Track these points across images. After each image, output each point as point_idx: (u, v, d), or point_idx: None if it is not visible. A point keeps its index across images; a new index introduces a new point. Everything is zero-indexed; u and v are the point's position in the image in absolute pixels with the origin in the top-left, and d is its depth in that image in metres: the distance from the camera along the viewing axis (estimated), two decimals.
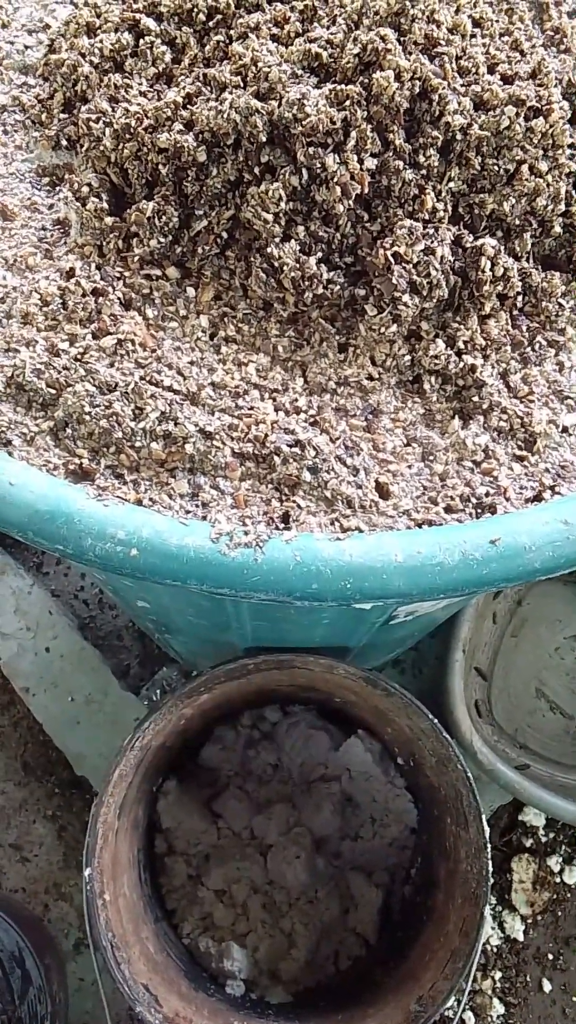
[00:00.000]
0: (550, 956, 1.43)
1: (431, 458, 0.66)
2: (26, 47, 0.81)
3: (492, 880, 1.43)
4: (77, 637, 1.53)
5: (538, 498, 0.64)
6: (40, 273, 0.70)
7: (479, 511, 0.63)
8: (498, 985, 1.41)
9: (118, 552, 0.58)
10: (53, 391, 0.65)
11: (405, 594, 0.58)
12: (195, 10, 0.74)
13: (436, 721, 1.01)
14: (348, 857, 1.26)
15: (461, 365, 0.67)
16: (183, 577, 0.58)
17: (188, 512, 0.62)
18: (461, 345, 0.67)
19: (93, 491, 0.62)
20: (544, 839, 1.46)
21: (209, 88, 0.70)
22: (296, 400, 0.66)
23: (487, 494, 0.64)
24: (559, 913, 1.44)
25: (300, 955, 1.19)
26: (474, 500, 0.64)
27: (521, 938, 1.42)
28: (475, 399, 0.67)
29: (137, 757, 1.04)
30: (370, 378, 0.68)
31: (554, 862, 1.45)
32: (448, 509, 0.63)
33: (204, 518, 0.62)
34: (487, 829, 0.98)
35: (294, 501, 0.63)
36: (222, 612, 0.87)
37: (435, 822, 1.15)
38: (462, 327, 0.67)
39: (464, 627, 1.38)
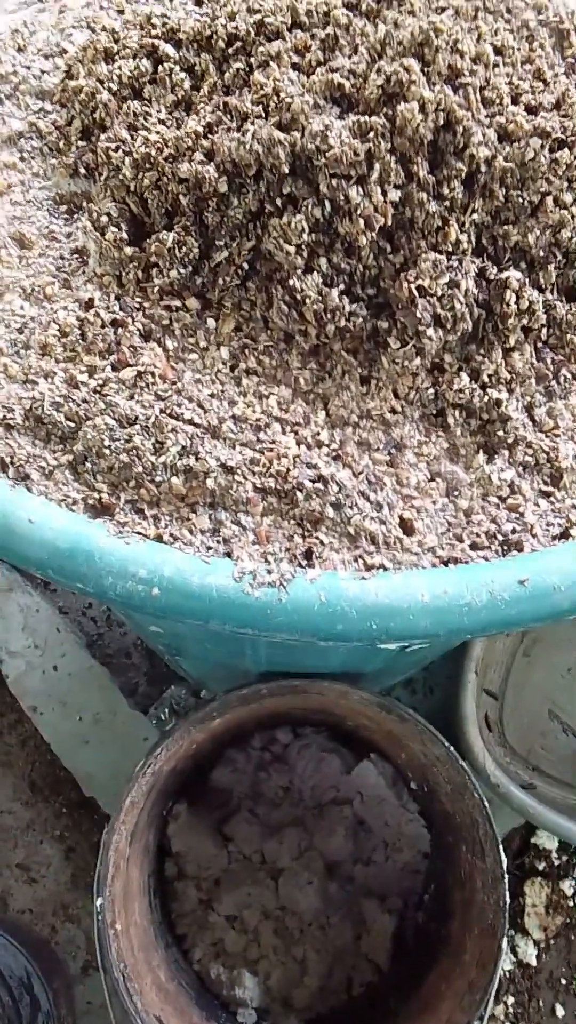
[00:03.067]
0: (563, 981, 1.41)
1: (456, 493, 0.65)
2: (43, 72, 0.81)
3: None
4: (85, 655, 1.52)
5: (565, 535, 0.63)
6: (58, 303, 0.69)
7: (505, 548, 0.62)
8: (511, 1010, 1.39)
9: (139, 591, 0.57)
10: (72, 424, 0.64)
11: (432, 635, 0.57)
12: (214, 37, 0.73)
13: (452, 748, 1.00)
14: (360, 882, 1.25)
15: (486, 399, 0.66)
16: (205, 617, 0.57)
17: (209, 548, 0.62)
18: (485, 378, 0.66)
19: (113, 527, 0.61)
20: (557, 862, 1.45)
21: (230, 117, 0.69)
22: (318, 433, 0.66)
23: (513, 531, 0.63)
24: (572, 937, 1.43)
25: (312, 982, 1.17)
26: (500, 537, 0.63)
27: (534, 963, 1.41)
28: (500, 433, 0.66)
29: (148, 783, 1.03)
30: (393, 411, 0.67)
31: (567, 886, 1.43)
32: (474, 546, 0.62)
33: (226, 554, 0.61)
34: (504, 860, 0.97)
35: (317, 537, 0.62)
36: (238, 642, 0.86)
37: (449, 849, 1.14)
38: (486, 360, 0.66)
39: (476, 648, 1.37)
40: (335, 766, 1.29)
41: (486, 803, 0.99)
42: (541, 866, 1.44)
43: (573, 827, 1.26)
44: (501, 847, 0.98)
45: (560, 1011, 1.38)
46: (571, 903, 1.43)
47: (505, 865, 0.97)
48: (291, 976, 1.18)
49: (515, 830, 1.45)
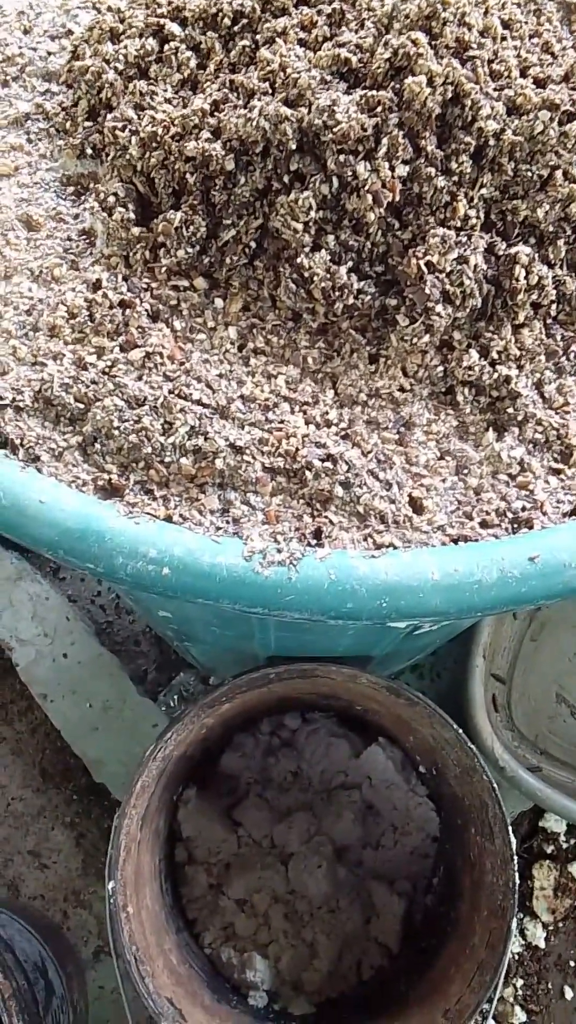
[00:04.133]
0: (572, 963, 1.42)
1: (465, 471, 0.64)
2: (49, 53, 0.80)
3: None
4: (94, 643, 1.52)
5: (575, 512, 0.62)
6: (66, 285, 0.69)
7: (515, 526, 0.62)
8: (519, 992, 1.40)
9: (150, 571, 0.57)
10: (81, 405, 0.64)
11: (442, 613, 0.57)
12: (220, 14, 0.73)
13: (461, 731, 1.00)
14: (369, 866, 1.25)
15: (495, 376, 0.65)
16: (215, 596, 0.57)
17: (219, 528, 0.61)
18: (495, 355, 0.66)
19: (123, 508, 0.61)
20: (565, 845, 1.45)
21: (236, 95, 0.69)
22: (327, 413, 0.65)
23: (523, 508, 0.62)
24: None
25: (322, 965, 1.18)
26: (510, 515, 0.62)
27: (543, 945, 1.41)
28: (510, 411, 0.65)
29: (159, 768, 1.04)
30: (402, 389, 0.67)
31: (575, 868, 1.43)
32: (484, 524, 0.62)
33: (235, 534, 0.61)
34: (513, 841, 0.97)
35: (326, 516, 0.62)
36: (246, 623, 0.86)
37: (458, 832, 1.14)
38: (496, 337, 0.66)
39: (484, 632, 1.37)
40: (344, 750, 1.29)
41: (495, 785, 0.99)
42: (549, 849, 1.44)
43: None
44: (510, 829, 0.98)
45: (569, 993, 1.39)
46: None
47: (514, 847, 0.97)
48: (301, 959, 1.19)
49: (523, 813, 1.45)
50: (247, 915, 1.21)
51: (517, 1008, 1.39)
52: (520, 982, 1.40)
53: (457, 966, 1.03)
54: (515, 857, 0.97)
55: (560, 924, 1.43)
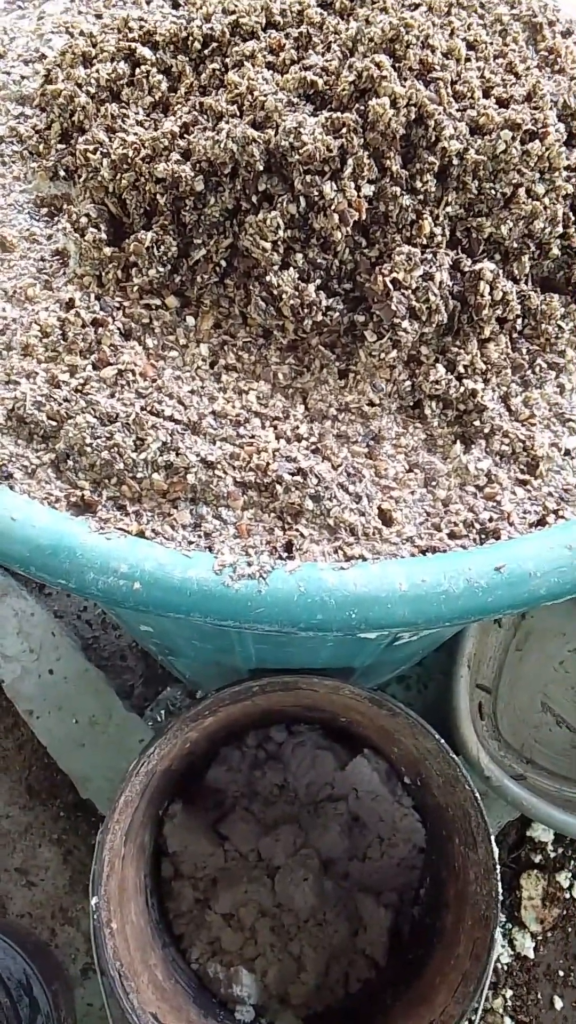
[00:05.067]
0: (561, 973, 1.42)
1: (434, 484, 0.65)
2: (22, 77, 0.82)
3: (502, 899, 1.42)
4: (80, 658, 1.52)
5: (542, 522, 0.63)
6: (40, 304, 0.70)
7: (483, 537, 0.63)
8: (509, 1003, 1.39)
9: (121, 586, 0.58)
10: (54, 423, 0.65)
11: (410, 623, 0.58)
12: (190, 38, 0.74)
13: (442, 741, 1.01)
14: (356, 878, 1.25)
15: (462, 390, 0.66)
16: (186, 610, 0.58)
17: (191, 543, 0.62)
18: (461, 369, 0.67)
19: (95, 524, 0.61)
20: (553, 854, 1.45)
21: (206, 117, 0.70)
22: (297, 427, 0.66)
23: (491, 519, 0.63)
24: (569, 929, 1.43)
25: (309, 979, 1.18)
26: (478, 526, 0.63)
27: (532, 955, 1.41)
28: (476, 423, 0.67)
29: (142, 783, 1.04)
30: (371, 404, 0.68)
31: (563, 878, 1.44)
32: (452, 535, 0.63)
33: (207, 548, 0.62)
34: (496, 850, 0.97)
35: (297, 530, 0.63)
36: (225, 636, 0.86)
37: (443, 842, 1.15)
38: (462, 351, 0.67)
39: (469, 642, 1.38)
40: (329, 763, 1.29)
41: (477, 795, 0.99)
42: (537, 859, 1.45)
43: (567, 819, 1.27)
44: (493, 838, 0.98)
45: (559, 1003, 1.39)
46: (567, 895, 1.43)
47: (497, 856, 0.98)
48: (288, 973, 1.19)
49: (511, 823, 1.45)
50: (234, 929, 1.21)
51: (507, 1019, 1.38)
52: (510, 993, 1.40)
53: (442, 976, 1.04)
54: (498, 867, 0.97)
55: (549, 934, 1.43)
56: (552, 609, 1.52)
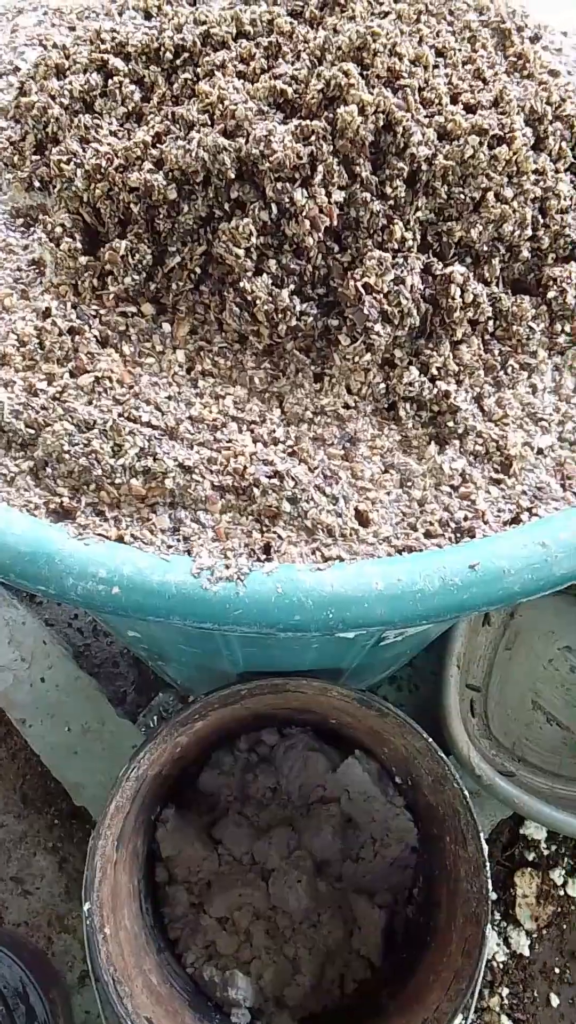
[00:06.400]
0: (557, 970, 1.42)
1: (409, 484, 0.66)
2: None
3: (495, 896, 1.43)
4: (72, 666, 1.53)
5: (516, 520, 0.64)
6: (16, 314, 0.70)
7: (458, 535, 0.64)
8: (505, 1002, 1.40)
9: (100, 591, 0.58)
10: (32, 431, 0.65)
11: (387, 622, 0.58)
12: (162, 49, 0.75)
13: (431, 740, 1.01)
14: (350, 879, 1.26)
15: (435, 391, 0.67)
16: (165, 613, 0.59)
17: (170, 547, 0.63)
18: (434, 371, 0.68)
19: (74, 530, 0.62)
20: (546, 852, 1.46)
21: (178, 126, 0.71)
22: (274, 431, 0.67)
23: (465, 518, 0.64)
24: (564, 926, 1.43)
25: (305, 980, 1.18)
26: (453, 525, 0.64)
27: (527, 953, 1.41)
28: (450, 424, 0.67)
29: (133, 788, 1.04)
30: (346, 407, 0.68)
31: (557, 875, 1.44)
32: (427, 534, 0.64)
33: (186, 552, 0.62)
34: (486, 848, 0.98)
35: (275, 532, 0.64)
36: (211, 640, 0.87)
37: (435, 841, 1.15)
38: (435, 354, 0.68)
39: (458, 642, 1.38)
40: (321, 765, 1.30)
41: (466, 793, 1.00)
42: (531, 856, 1.45)
43: (559, 816, 1.27)
44: (482, 836, 0.99)
45: (555, 1000, 1.39)
46: (561, 892, 1.44)
47: (487, 853, 0.98)
48: (283, 975, 1.19)
49: (504, 822, 1.46)
50: (228, 933, 1.21)
51: (504, 1018, 1.39)
52: (506, 991, 1.40)
53: (436, 975, 1.04)
54: (488, 864, 0.98)
55: (544, 931, 1.43)
56: (540, 607, 1.53)
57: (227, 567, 0.60)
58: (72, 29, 0.83)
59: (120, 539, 0.63)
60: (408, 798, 1.27)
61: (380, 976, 1.19)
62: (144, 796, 1.13)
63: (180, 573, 0.60)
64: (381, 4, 0.76)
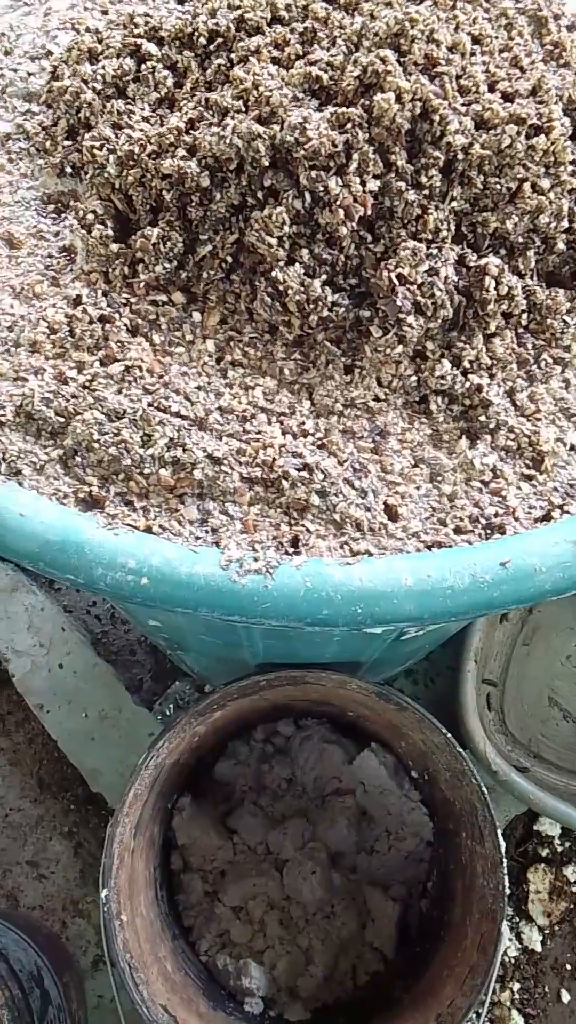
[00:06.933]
0: (568, 966, 1.42)
1: (439, 479, 0.66)
2: (29, 74, 0.82)
3: (509, 892, 1.43)
4: (90, 653, 1.53)
5: (547, 517, 0.63)
6: (47, 301, 0.70)
7: (488, 532, 0.63)
8: (516, 997, 1.40)
9: (129, 581, 0.58)
10: (62, 419, 0.65)
11: (416, 618, 0.58)
12: (196, 34, 0.74)
13: (450, 736, 1.01)
14: (364, 871, 1.26)
15: (467, 385, 0.66)
16: (194, 605, 0.58)
17: (198, 538, 0.63)
18: (467, 364, 0.67)
19: (103, 519, 0.62)
20: (560, 848, 1.46)
21: (211, 113, 0.70)
22: (303, 423, 0.67)
23: (496, 514, 0.63)
24: None
25: (318, 971, 1.18)
26: (483, 521, 0.63)
27: (539, 949, 1.41)
28: (482, 418, 0.67)
29: (151, 776, 1.05)
30: (376, 399, 0.68)
31: (571, 871, 1.44)
32: (457, 530, 0.63)
33: (214, 544, 0.62)
34: (503, 844, 0.98)
35: (303, 525, 0.63)
36: (233, 631, 0.87)
37: (450, 836, 1.15)
38: (467, 346, 0.67)
39: (475, 637, 1.38)
40: (337, 757, 1.29)
41: (484, 789, 0.99)
42: (544, 852, 1.45)
43: (574, 812, 1.27)
44: (499, 832, 0.98)
45: (566, 996, 1.39)
46: (574, 889, 1.43)
47: (504, 850, 0.98)
48: (297, 965, 1.19)
49: (518, 817, 1.45)
50: (242, 922, 1.22)
51: (515, 1012, 1.39)
52: (517, 986, 1.40)
53: (450, 969, 1.04)
54: (504, 861, 0.98)
55: (556, 927, 1.43)
56: (559, 604, 1.52)
57: (256, 560, 0.60)
58: (105, 13, 0.83)
59: (148, 529, 0.62)
60: (424, 792, 1.26)
61: (393, 969, 1.20)
62: (162, 784, 1.13)
63: (209, 565, 0.59)
64: None
